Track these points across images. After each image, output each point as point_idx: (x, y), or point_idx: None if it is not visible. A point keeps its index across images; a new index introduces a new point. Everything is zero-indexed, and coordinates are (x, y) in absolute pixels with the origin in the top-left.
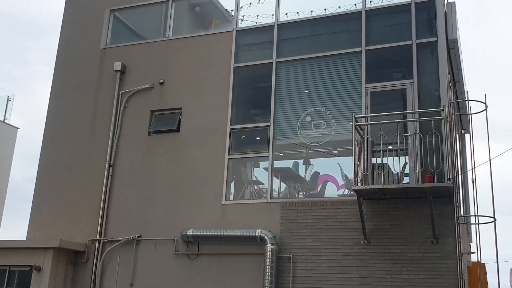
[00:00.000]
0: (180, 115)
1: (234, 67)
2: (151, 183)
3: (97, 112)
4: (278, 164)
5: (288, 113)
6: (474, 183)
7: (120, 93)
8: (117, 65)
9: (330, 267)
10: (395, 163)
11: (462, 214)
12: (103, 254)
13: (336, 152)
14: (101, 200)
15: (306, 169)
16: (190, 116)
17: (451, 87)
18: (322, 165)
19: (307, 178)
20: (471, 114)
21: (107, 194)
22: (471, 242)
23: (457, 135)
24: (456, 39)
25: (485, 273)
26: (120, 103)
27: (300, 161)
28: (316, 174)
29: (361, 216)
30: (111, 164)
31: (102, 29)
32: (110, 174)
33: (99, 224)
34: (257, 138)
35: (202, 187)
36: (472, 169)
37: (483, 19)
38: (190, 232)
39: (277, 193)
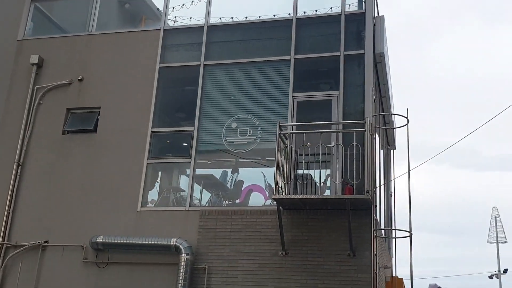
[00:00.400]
0: (98, 114)
1: (159, 67)
2: (63, 186)
3: (8, 107)
4: (204, 172)
5: (213, 118)
6: (392, 196)
7: (35, 88)
8: (34, 58)
9: (245, 278)
10: (319, 174)
11: (378, 227)
12: (5, 260)
13: (265, 161)
14: (7, 202)
15: (232, 177)
16: (109, 116)
17: (375, 101)
18: (248, 174)
19: (231, 186)
20: (393, 128)
21: (14, 195)
22: (391, 256)
23: (382, 151)
24: (384, 53)
25: (402, 287)
26: (34, 98)
27: (229, 170)
28: (240, 182)
29: (280, 226)
30: (20, 164)
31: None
32: (18, 173)
33: (2, 227)
34: (184, 144)
35: (117, 192)
36: (390, 181)
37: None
38: (100, 239)
39: (198, 201)
